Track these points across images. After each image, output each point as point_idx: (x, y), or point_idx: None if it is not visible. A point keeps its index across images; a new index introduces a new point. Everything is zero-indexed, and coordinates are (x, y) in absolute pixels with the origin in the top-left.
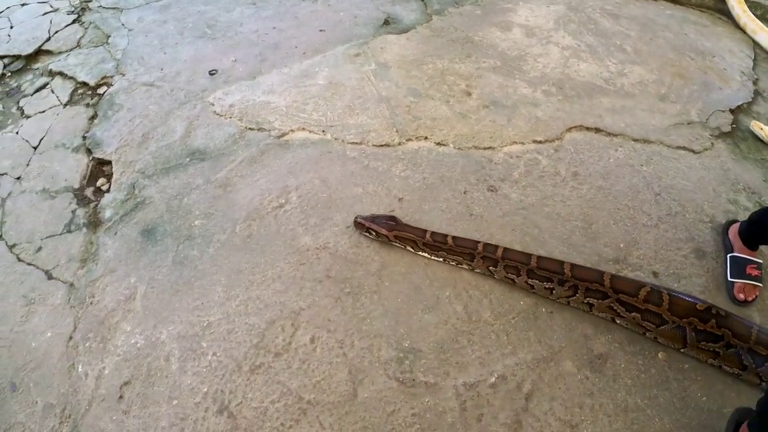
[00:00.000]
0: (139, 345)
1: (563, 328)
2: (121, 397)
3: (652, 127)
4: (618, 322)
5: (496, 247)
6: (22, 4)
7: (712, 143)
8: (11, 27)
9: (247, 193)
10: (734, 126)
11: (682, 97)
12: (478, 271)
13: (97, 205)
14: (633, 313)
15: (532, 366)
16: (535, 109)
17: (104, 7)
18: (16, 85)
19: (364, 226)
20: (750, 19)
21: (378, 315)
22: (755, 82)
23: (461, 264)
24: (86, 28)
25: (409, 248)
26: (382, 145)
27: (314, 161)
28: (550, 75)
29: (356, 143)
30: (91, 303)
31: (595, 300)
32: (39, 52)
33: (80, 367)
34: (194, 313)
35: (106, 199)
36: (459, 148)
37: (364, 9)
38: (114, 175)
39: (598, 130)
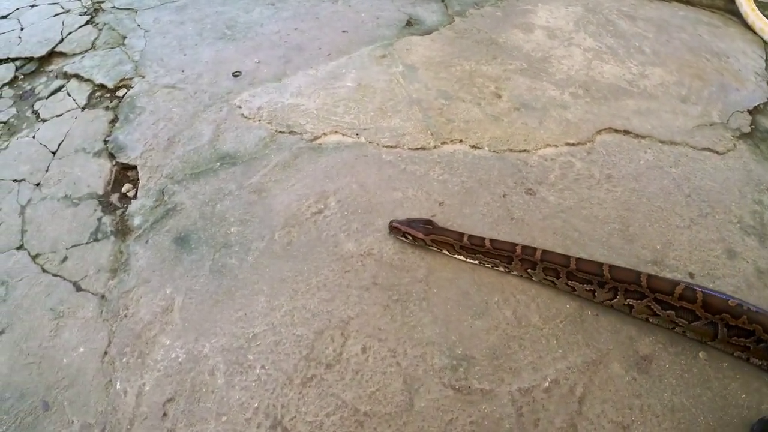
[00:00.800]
0: (180, 359)
1: (609, 331)
2: (165, 414)
3: (677, 129)
4: (651, 321)
5: (535, 249)
6: (32, 6)
7: (734, 144)
8: (22, 29)
9: (283, 198)
10: (753, 127)
11: (703, 99)
12: (515, 273)
13: (124, 212)
14: (668, 311)
15: (583, 369)
16: (564, 112)
17: (118, 8)
18: (29, 88)
19: (399, 230)
20: (758, 17)
21: (428, 322)
22: None
23: (498, 267)
24: (100, 30)
25: (445, 252)
26: (417, 149)
27: (350, 165)
28: (576, 77)
29: (391, 146)
30: (126, 315)
31: (634, 301)
32: (52, 54)
33: (118, 383)
34: (237, 324)
35: (134, 205)
36: (494, 151)
37: (385, 10)
38: (140, 181)
39: (626, 132)
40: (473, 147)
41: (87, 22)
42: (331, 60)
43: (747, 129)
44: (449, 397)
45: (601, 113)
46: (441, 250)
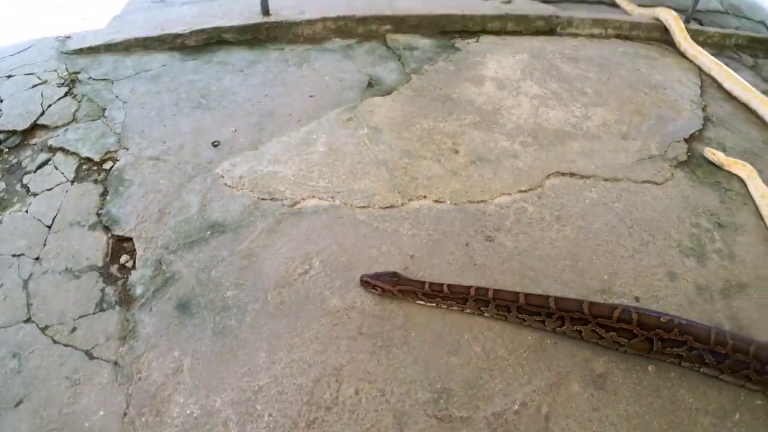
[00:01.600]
0: (195, 415)
1: (567, 355)
2: None
3: (618, 166)
4: (600, 343)
5: (487, 289)
6: (9, 76)
7: (672, 173)
8: (1, 101)
9: (272, 262)
10: (690, 154)
11: (642, 133)
12: (468, 311)
13: (125, 282)
14: (611, 333)
15: (546, 391)
16: (516, 161)
17: (94, 79)
18: (16, 161)
19: (369, 283)
20: (690, 45)
21: (410, 363)
22: (704, 109)
23: (453, 307)
24: (80, 101)
25: (410, 299)
26: (387, 207)
27: (329, 227)
28: (524, 126)
29: (364, 207)
30: (140, 379)
31: (581, 326)
32: (35, 127)
33: None
34: (243, 379)
35: (134, 276)
36: (455, 204)
37: (347, 72)
38: (138, 252)
39: (572, 174)
40: (436, 201)
41: (66, 94)
42: (301, 125)
43: (684, 157)
44: (434, 426)
45: (548, 159)
46: (407, 298)
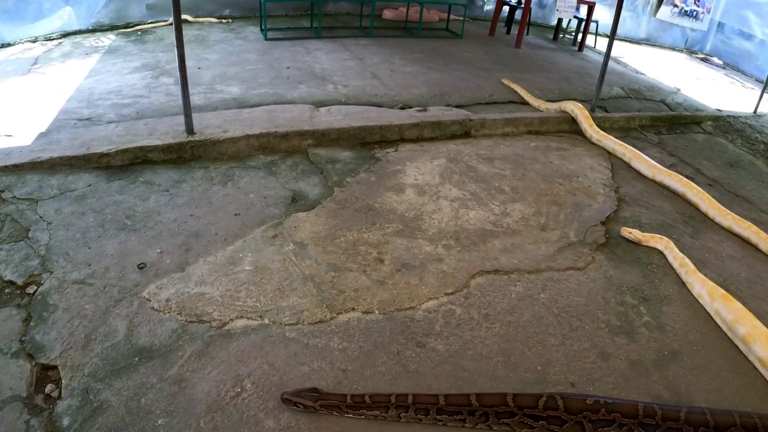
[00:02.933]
0: None
1: None
2: None
3: (540, 257)
4: None
5: (407, 395)
6: None
7: (593, 257)
8: None
9: (203, 386)
10: (608, 236)
11: (560, 223)
12: (391, 419)
13: (51, 414)
14: (541, 421)
15: None
16: (440, 264)
17: (18, 198)
18: None
19: (291, 401)
20: (596, 132)
21: None
22: (616, 190)
23: (378, 417)
24: (3, 221)
25: (335, 413)
26: (316, 322)
27: (258, 347)
28: (446, 229)
29: (293, 324)
30: None
31: (508, 419)
32: None
33: None
34: None
35: (60, 406)
36: (384, 313)
37: (271, 188)
38: (63, 381)
39: (496, 271)
40: (365, 312)
41: None
42: (227, 245)
43: (602, 240)
44: None
45: (472, 259)
46: (331, 412)
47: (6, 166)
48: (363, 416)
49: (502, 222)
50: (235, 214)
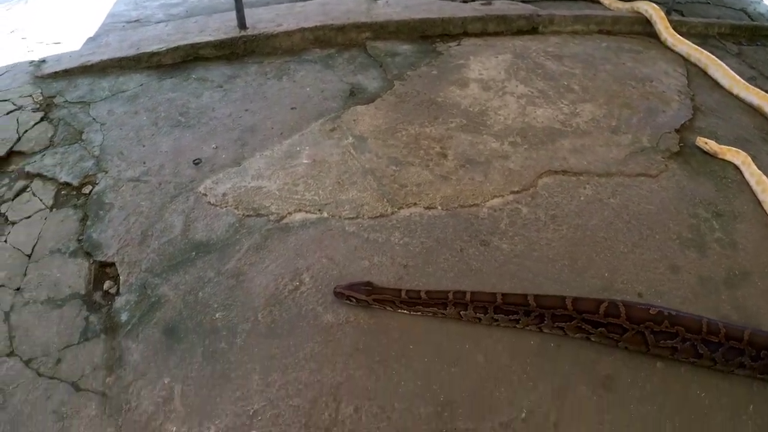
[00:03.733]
0: None
1: (571, 358)
2: None
3: (611, 160)
4: (591, 338)
5: (465, 292)
6: None
7: (665, 165)
8: None
9: (261, 280)
10: (682, 145)
11: (632, 127)
12: (450, 317)
13: (110, 309)
14: (600, 329)
15: (553, 396)
16: (506, 162)
17: (71, 102)
18: None
19: (343, 294)
20: (670, 34)
21: (410, 377)
22: (692, 98)
23: (437, 314)
24: (56, 126)
25: (388, 308)
26: (377, 217)
27: (317, 241)
28: (512, 126)
29: (352, 218)
30: (129, 409)
31: (564, 323)
32: (11, 154)
33: None
34: (237, 404)
35: (118, 302)
36: (447, 209)
37: (328, 82)
38: (121, 277)
39: (565, 172)
40: (427, 208)
41: (42, 119)
42: (284, 139)
43: (676, 148)
44: None
45: (539, 158)
46: (384, 307)
47: (56, 72)
48: (419, 312)
49: (572, 122)
50: (291, 108)
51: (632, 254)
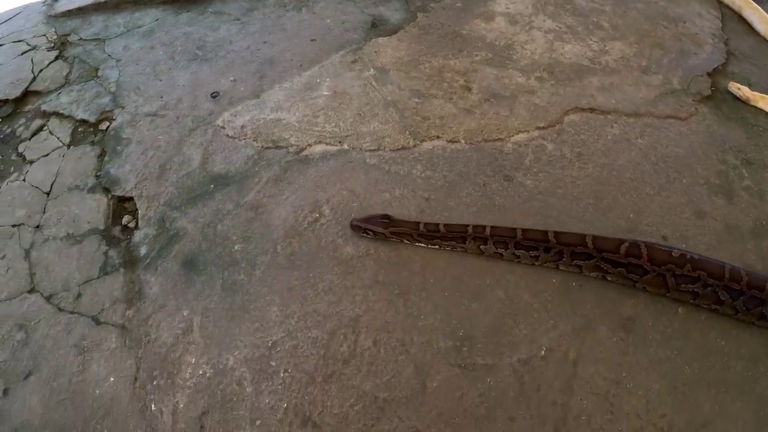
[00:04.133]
0: (207, 375)
1: (593, 298)
2: (202, 427)
3: (640, 100)
4: (608, 278)
5: (485, 227)
6: None
7: (696, 108)
8: None
9: (280, 212)
10: (714, 89)
11: (663, 67)
12: (470, 251)
13: (128, 244)
14: (619, 268)
15: (573, 336)
16: (532, 97)
17: (85, 40)
18: (9, 130)
19: (360, 227)
20: None
21: (429, 310)
22: (726, 43)
23: (455, 248)
24: (71, 64)
25: (405, 241)
26: (398, 149)
27: (338, 173)
28: (540, 61)
29: (373, 150)
30: (149, 341)
31: (583, 261)
32: (27, 94)
33: (153, 405)
34: (256, 335)
35: (137, 236)
36: (470, 143)
37: (349, 14)
38: (140, 211)
39: (592, 110)
40: (450, 141)
41: (57, 57)
42: (304, 70)
43: (707, 92)
44: (457, 375)
45: (566, 94)
46: (401, 240)
47: (70, 10)
48: (436, 246)
49: (600, 59)
50: (311, 40)
51: (658, 197)
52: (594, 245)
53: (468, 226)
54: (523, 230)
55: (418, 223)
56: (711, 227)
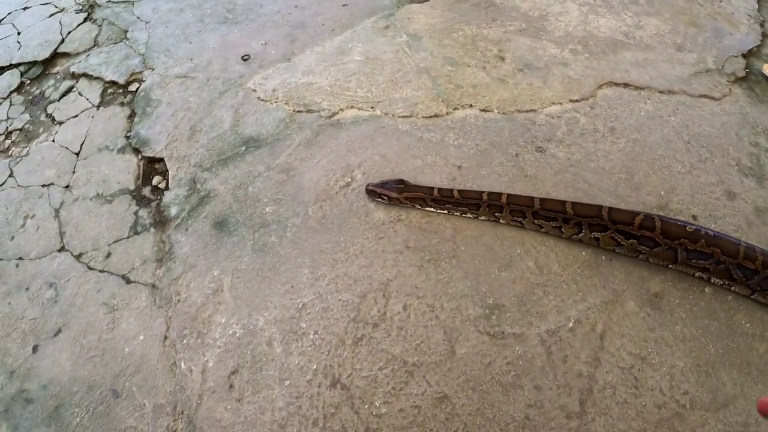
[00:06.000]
0: (237, 334)
1: (622, 273)
2: (231, 386)
3: (674, 78)
4: (618, 251)
5: (500, 194)
6: (24, 8)
7: (729, 89)
8: (18, 33)
9: (311, 175)
10: (748, 70)
11: (698, 46)
12: (483, 218)
13: (159, 204)
14: (631, 240)
15: (601, 309)
16: (566, 69)
17: (114, 2)
18: (38, 92)
19: (375, 192)
20: None
21: (460, 277)
22: (762, 24)
23: (467, 214)
24: (100, 26)
25: (418, 206)
26: (431, 116)
27: (370, 138)
28: (574, 33)
29: (406, 116)
30: (179, 301)
31: (599, 233)
32: (56, 56)
33: (182, 364)
34: (286, 296)
35: (168, 196)
36: (503, 113)
37: None
38: (170, 172)
39: (626, 84)
40: (483, 110)
41: (85, 20)
42: (335, 35)
43: (742, 73)
44: (485, 342)
45: (600, 68)
46: (415, 205)
47: None
48: (446, 211)
49: (635, 34)
50: (343, 5)
51: (689, 175)
52: (609, 217)
53: (483, 192)
54: (541, 200)
55: (433, 188)
56: (740, 208)
